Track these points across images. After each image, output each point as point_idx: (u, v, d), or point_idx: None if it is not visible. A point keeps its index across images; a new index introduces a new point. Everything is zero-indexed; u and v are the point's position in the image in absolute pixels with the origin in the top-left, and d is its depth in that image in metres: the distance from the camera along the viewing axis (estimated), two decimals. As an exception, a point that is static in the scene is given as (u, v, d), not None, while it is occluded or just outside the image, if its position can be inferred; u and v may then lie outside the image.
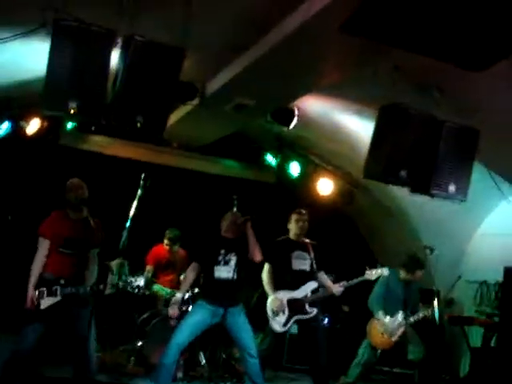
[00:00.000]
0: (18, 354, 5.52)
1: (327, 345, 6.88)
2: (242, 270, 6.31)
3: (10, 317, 6.64)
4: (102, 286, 5.74)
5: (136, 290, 7.46)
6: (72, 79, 4.71)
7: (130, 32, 4.84)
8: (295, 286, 6.87)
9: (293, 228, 7.07)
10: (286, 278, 6.91)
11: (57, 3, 4.67)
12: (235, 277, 6.27)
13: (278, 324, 6.82)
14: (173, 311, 6.36)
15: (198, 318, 6.25)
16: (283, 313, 6.81)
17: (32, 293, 5.49)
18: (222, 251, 6.33)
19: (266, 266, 6.98)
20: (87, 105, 4.76)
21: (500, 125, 6.15)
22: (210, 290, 6.34)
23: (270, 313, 6.88)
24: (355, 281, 6.73)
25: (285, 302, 6.82)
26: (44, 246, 5.63)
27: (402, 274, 7.50)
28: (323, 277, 7.00)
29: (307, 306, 6.83)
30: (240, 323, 6.29)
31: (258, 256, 6.36)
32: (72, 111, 4.72)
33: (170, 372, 6.13)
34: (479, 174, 6.52)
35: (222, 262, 6.30)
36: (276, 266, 6.97)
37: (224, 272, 6.30)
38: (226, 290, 6.24)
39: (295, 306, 6.82)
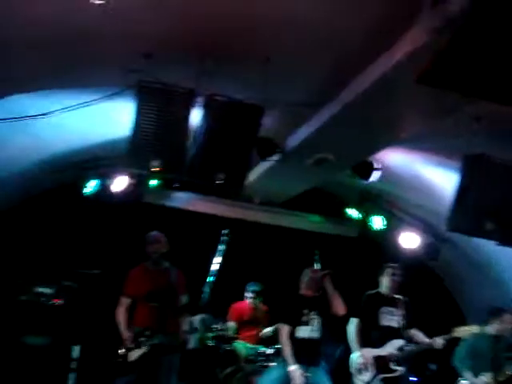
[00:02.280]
0: None
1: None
2: (324, 329, 6.23)
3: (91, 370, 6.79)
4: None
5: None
6: (155, 138, 4.89)
7: (209, 90, 4.99)
8: (381, 343, 6.66)
9: (386, 282, 6.91)
10: (373, 334, 6.73)
11: (140, 65, 4.86)
12: (318, 336, 6.19)
13: (361, 382, 6.64)
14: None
15: (278, 375, 6.17)
16: (368, 370, 6.62)
17: (126, 333, 5.69)
18: (305, 311, 6.27)
19: (354, 321, 6.75)
20: (169, 163, 4.92)
21: None
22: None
23: (354, 370, 6.70)
24: (447, 337, 6.46)
25: (370, 359, 6.62)
26: (123, 303, 5.87)
27: (489, 328, 7.18)
28: (417, 333, 6.75)
29: (392, 364, 6.61)
30: (322, 382, 6.17)
31: (341, 309, 6.27)
32: (155, 169, 4.86)
33: None
34: None
35: (305, 322, 6.25)
36: (363, 321, 6.79)
37: (306, 332, 6.24)
38: (309, 349, 6.17)
39: (380, 364, 6.60)
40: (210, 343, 7.82)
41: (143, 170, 5.07)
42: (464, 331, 6.42)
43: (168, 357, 5.78)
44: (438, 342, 6.42)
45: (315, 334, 6.24)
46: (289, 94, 5.49)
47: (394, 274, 6.88)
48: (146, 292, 5.83)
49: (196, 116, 5.11)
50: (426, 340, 6.59)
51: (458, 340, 6.81)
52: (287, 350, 6.32)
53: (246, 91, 5.13)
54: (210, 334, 7.66)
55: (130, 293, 5.86)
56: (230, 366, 7.61)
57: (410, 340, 6.73)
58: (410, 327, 6.79)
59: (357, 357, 6.68)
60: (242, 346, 7.97)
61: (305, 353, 6.14)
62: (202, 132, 4.99)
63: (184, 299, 6.02)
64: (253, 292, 8.24)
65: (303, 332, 6.24)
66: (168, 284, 5.87)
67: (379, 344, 6.66)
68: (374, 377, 6.59)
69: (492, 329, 7.10)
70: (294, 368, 6.19)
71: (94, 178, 8.20)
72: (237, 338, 8.03)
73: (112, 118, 6.49)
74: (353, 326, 6.75)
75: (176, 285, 5.94)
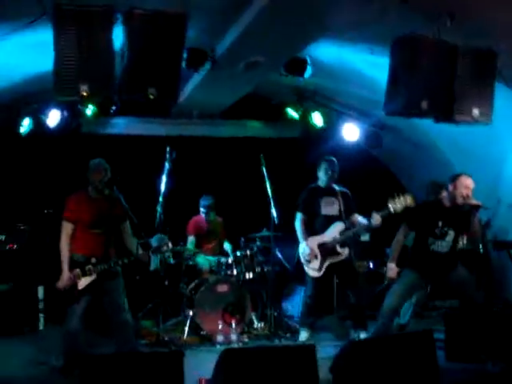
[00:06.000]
0: (68, 336, 5.82)
1: (375, 289, 6.99)
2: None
3: (57, 308, 6.86)
4: (132, 258, 5.99)
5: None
6: (79, 62, 4.77)
7: (128, 6, 4.84)
8: (324, 231, 6.99)
9: (323, 175, 7.18)
10: (316, 224, 7.05)
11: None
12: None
13: (312, 270, 6.98)
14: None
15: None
16: (316, 258, 6.94)
17: (68, 272, 5.76)
18: (440, 223, 6.04)
19: (299, 215, 7.15)
20: (98, 85, 4.83)
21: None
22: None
23: (303, 261, 7.02)
24: (385, 211, 6.59)
25: (315, 247, 6.93)
26: (67, 229, 5.87)
27: None
28: (357, 217, 7.10)
29: (338, 248, 6.93)
30: None
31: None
32: (84, 94, 4.77)
33: None
34: (505, 98, 6.39)
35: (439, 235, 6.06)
36: (306, 213, 7.11)
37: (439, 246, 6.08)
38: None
39: (326, 250, 6.93)
40: (171, 261, 7.93)
41: (73, 98, 4.94)
42: (398, 201, 6.54)
43: (115, 280, 5.92)
44: (375, 218, 6.70)
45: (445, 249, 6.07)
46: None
47: (330, 167, 7.16)
48: (88, 219, 5.87)
49: (119, 33, 4.98)
50: (364, 220, 6.87)
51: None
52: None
53: (167, 1, 5.00)
54: (170, 253, 7.75)
55: (72, 218, 5.87)
56: (194, 279, 7.75)
57: (351, 225, 7.04)
58: (349, 214, 7.09)
59: (303, 247, 6.97)
60: (203, 259, 8.10)
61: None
62: (127, 49, 4.87)
63: (126, 224, 6.07)
64: (205, 207, 8.32)
65: (437, 247, 6.06)
66: (110, 211, 5.91)
67: (322, 232, 6.97)
68: (323, 262, 6.92)
69: None
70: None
71: (26, 116, 7.97)
72: (198, 252, 8.15)
73: (36, 50, 6.25)
74: (297, 220, 7.09)
75: (118, 211, 5.97)
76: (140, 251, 6.06)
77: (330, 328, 7.55)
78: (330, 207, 7.14)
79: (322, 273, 6.98)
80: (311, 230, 7.12)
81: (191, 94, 7.75)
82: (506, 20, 5.61)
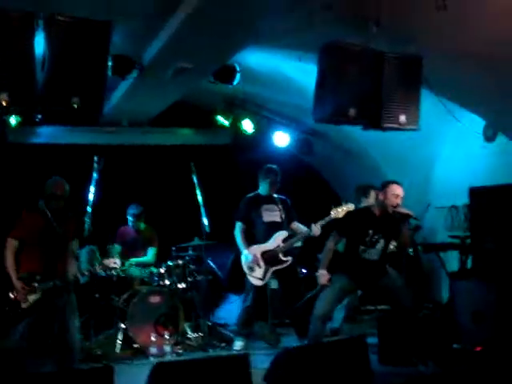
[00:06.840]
0: (6, 356, 5.54)
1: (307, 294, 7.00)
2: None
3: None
4: (78, 275, 5.77)
5: (113, 272, 7.34)
6: (-4, 70, 4.57)
7: (49, 12, 4.69)
8: (267, 238, 6.97)
9: (264, 183, 7.17)
10: (258, 231, 7.01)
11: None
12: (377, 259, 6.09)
13: (255, 279, 6.92)
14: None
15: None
16: (259, 266, 6.90)
17: (18, 284, 5.49)
18: (370, 231, 6.00)
19: (238, 224, 7.07)
20: (18, 94, 4.65)
21: (442, 49, 6.09)
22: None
23: (246, 269, 6.95)
24: (327, 219, 6.63)
25: (259, 255, 6.89)
26: (10, 246, 5.64)
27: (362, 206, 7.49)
28: (297, 226, 7.13)
29: (281, 256, 6.91)
30: None
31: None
32: (4, 103, 4.59)
33: None
34: (431, 104, 6.51)
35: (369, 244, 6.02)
36: (247, 222, 7.05)
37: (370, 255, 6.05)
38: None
39: (270, 258, 6.90)
40: (102, 274, 7.72)
41: (-9, 107, 4.76)
42: (341, 211, 6.56)
43: (63, 298, 5.67)
44: (315, 228, 6.70)
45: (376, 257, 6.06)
46: (135, 5, 5.25)
47: (271, 175, 7.16)
48: (35, 236, 5.65)
49: (41, 40, 4.82)
50: (305, 229, 6.89)
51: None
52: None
53: (91, 7, 4.88)
54: (99, 264, 7.55)
55: (18, 235, 5.66)
56: (126, 291, 7.58)
57: (292, 233, 7.05)
58: (290, 222, 7.10)
59: (246, 256, 6.92)
60: (134, 270, 7.93)
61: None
62: (48, 57, 4.70)
63: (75, 244, 5.91)
64: (132, 215, 8.15)
65: (368, 255, 6.03)
66: (58, 228, 5.70)
67: (265, 240, 6.95)
68: (266, 271, 6.88)
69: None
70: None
71: None
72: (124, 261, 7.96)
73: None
74: (237, 229, 7.02)
75: (67, 229, 5.80)
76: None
77: (262, 335, 7.51)
78: (271, 214, 7.13)
79: (265, 281, 6.95)
80: (253, 239, 7.07)
81: (119, 102, 7.63)
82: (431, 26, 5.71)
